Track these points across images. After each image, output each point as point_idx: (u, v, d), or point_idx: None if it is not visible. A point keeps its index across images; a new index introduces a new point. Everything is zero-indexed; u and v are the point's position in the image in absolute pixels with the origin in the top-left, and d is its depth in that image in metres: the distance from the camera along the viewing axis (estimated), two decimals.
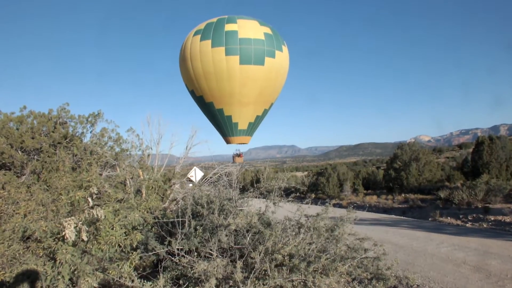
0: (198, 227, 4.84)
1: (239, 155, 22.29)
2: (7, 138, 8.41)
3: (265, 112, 22.12)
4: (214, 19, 20.99)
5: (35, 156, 8.59)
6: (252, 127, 21.51)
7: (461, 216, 15.04)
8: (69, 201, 4.81)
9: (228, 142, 21.17)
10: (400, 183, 27.59)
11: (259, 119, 21.78)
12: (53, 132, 8.81)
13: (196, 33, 20.78)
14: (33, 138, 8.48)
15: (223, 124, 20.66)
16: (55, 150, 8.54)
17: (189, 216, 4.92)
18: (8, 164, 8.40)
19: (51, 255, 4.36)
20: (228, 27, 20.10)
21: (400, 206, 21.05)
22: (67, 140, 9.02)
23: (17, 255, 4.51)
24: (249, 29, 20.33)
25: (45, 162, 8.16)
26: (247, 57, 19.70)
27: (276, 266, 4.28)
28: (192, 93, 21.80)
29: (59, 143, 8.79)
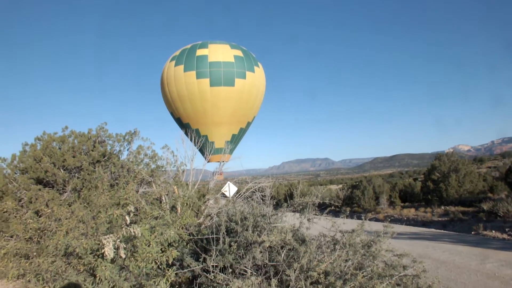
0: (232, 244, 4.85)
1: (219, 173, 22.54)
2: (50, 157, 8.83)
3: (242, 130, 23.01)
4: (189, 46, 22.33)
5: (76, 174, 8.95)
6: (229, 145, 22.07)
7: (507, 230, 14.21)
8: (107, 219, 4.96)
9: (207, 160, 21.68)
10: (439, 195, 26.49)
11: (236, 138, 22.63)
12: (92, 150, 9.17)
13: (172, 59, 22.30)
14: (74, 157, 8.86)
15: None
16: (94, 168, 8.87)
17: (224, 233, 4.95)
18: (52, 182, 8.80)
19: (91, 271, 4.50)
20: (200, 52, 21.39)
21: (440, 219, 20.21)
22: (105, 158, 9.36)
23: (60, 271, 4.68)
24: (219, 52, 21.48)
25: (85, 179, 8.49)
26: (217, 79, 20.77)
27: (311, 283, 4.20)
28: (172, 115, 23.15)
29: (98, 161, 9.13)
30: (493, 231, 14.32)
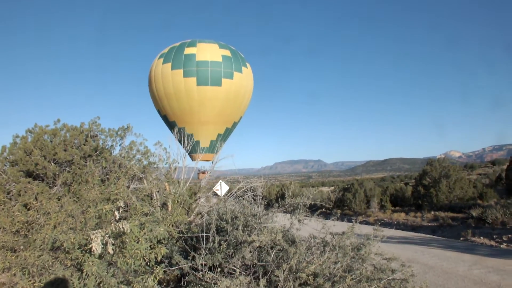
0: (222, 243, 4.84)
1: (203, 172, 22.59)
2: (41, 150, 8.73)
3: (228, 130, 23.15)
4: (177, 44, 22.38)
5: (67, 168, 8.87)
6: (214, 145, 22.11)
7: (495, 236, 14.36)
8: (96, 214, 4.91)
9: (192, 159, 21.86)
10: (430, 200, 26.69)
11: (221, 137, 22.66)
12: (84, 145, 9.09)
13: (160, 57, 22.32)
14: (65, 151, 8.77)
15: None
16: (86, 162, 8.79)
17: (213, 232, 4.93)
18: (42, 175, 8.71)
19: (78, 267, 4.45)
20: (188, 50, 21.42)
21: (429, 224, 20.35)
22: (97, 152, 9.28)
23: (47, 265, 4.62)
24: (207, 52, 21.50)
25: (76, 174, 8.41)
26: (204, 79, 20.86)
27: (300, 285, 4.20)
28: (159, 112, 23.22)
29: (89, 155, 9.05)
30: (481, 238, 14.45)
